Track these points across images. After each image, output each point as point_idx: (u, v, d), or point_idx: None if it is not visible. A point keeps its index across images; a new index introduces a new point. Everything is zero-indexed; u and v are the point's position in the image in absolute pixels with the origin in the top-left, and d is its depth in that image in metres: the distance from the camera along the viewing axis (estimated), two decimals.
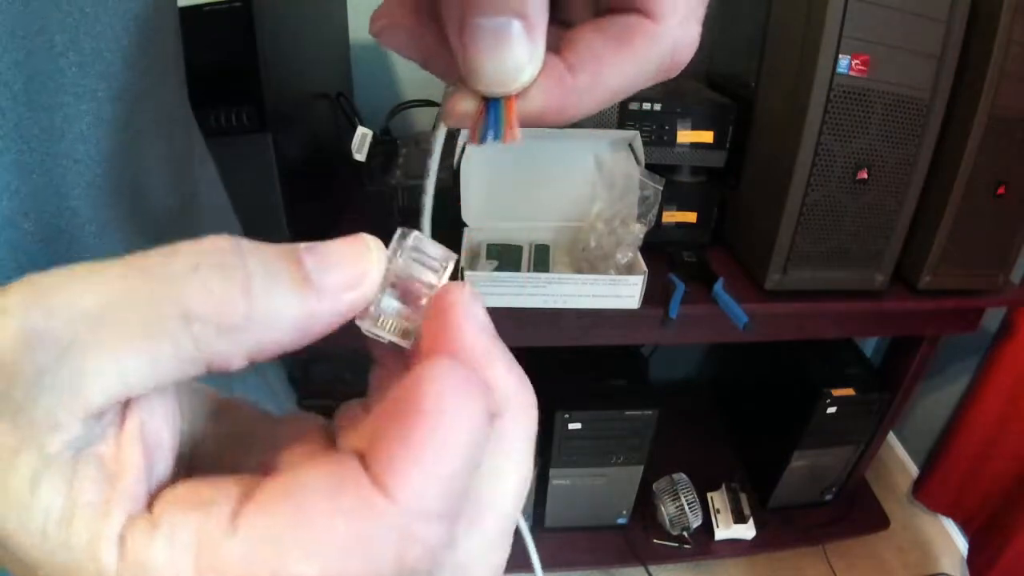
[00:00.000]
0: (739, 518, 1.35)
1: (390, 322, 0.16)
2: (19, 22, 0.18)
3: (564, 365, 1.26)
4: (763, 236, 0.93)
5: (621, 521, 1.35)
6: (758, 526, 1.35)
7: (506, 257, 0.94)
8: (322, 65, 0.99)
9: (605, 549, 1.34)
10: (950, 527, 1.44)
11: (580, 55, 0.17)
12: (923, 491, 1.48)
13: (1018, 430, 1.23)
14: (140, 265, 0.12)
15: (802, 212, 0.88)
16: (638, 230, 0.91)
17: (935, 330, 1.14)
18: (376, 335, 0.16)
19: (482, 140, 0.17)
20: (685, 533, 1.34)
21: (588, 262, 0.93)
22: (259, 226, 0.80)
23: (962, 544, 1.40)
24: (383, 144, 0.99)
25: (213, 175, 0.37)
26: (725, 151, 1.01)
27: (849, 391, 1.21)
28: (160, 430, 0.14)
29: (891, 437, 1.61)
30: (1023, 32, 0.82)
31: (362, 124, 0.95)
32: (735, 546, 1.36)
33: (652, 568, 1.33)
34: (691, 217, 1.07)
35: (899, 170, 0.87)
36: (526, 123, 0.17)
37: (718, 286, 0.94)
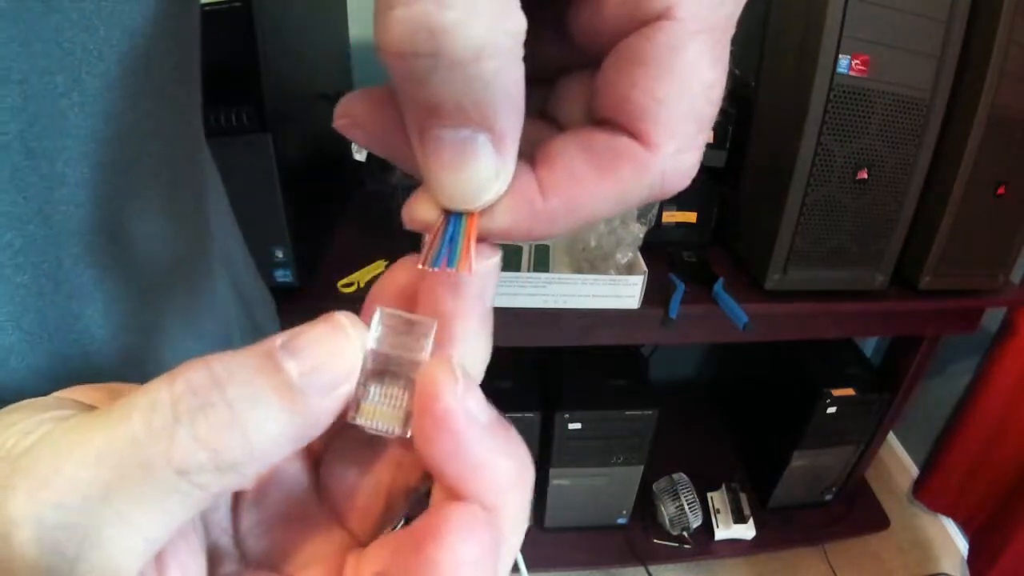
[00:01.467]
0: (739, 518, 1.35)
1: (381, 411, 0.15)
2: (16, 64, 0.17)
3: (564, 365, 1.26)
4: (763, 236, 0.93)
5: (621, 521, 1.35)
6: (758, 526, 1.35)
7: (506, 257, 0.94)
8: (322, 65, 0.99)
9: (605, 549, 1.34)
10: (950, 527, 1.44)
11: (556, 176, 0.15)
12: (923, 491, 1.48)
13: (1018, 430, 1.23)
14: (117, 435, 0.12)
15: (802, 212, 0.88)
16: (638, 230, 0.91)
17: (935, 330, 1.15)
18: (369, 428, 0.15)
19: (433, 264, 0.15)
20: (685, 533, 1.34)
21: (588, 262, 0.93)
22: (259, 226, 0.80)
23: (962, 544, 1.40)
24: None
25: (225, 208, 0.37)
26: (725, 151, 1.01)
27: (849, 391, 1.21)
28: (190, 561, 0.14)
29: (891, 437, 1.61)
30: (1023, 32, 0.82)
31: None
32: (735, 546, 1.36)
33: (652, 568, 1.33)
34: (691, 217, 1.07)
35: (899, 170, 0.87)
36: (491, 239, 0.15)
37: (718, 286, 0.94)
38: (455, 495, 0.14)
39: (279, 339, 0.13)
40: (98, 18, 0.19)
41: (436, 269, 0.15)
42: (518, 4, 0.12)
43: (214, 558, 0.16)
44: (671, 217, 1.06)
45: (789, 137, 0.85)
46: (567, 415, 1.15)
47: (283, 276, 0.83)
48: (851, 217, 0.89)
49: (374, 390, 0.15)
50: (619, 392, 1.20)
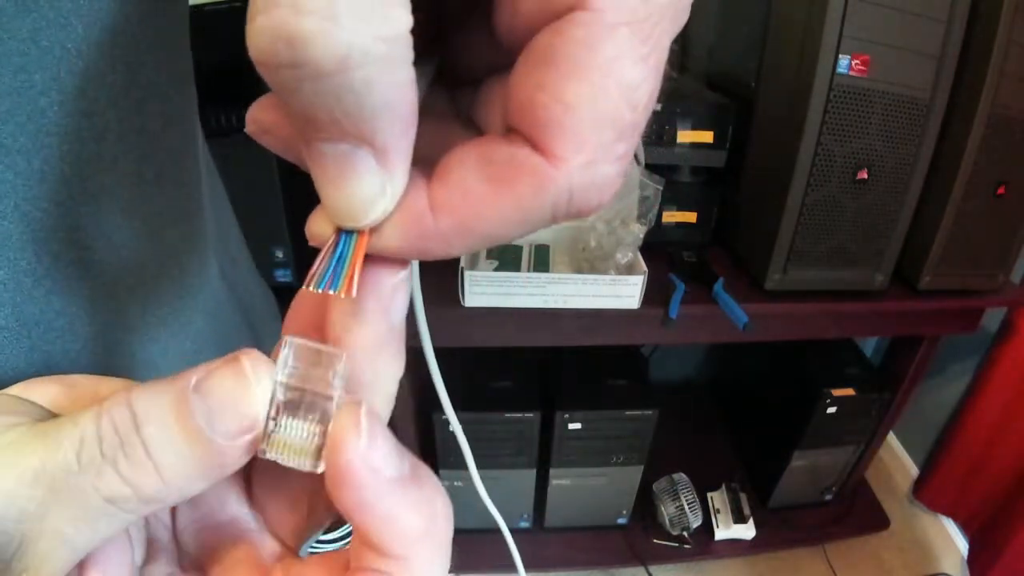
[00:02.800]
0: (739, 518, 1.35)
1: (292, 445, 0.14)
2: None
3: (564, 365, 1.26)
4: (763, 236, 0.93)
5: (621, 521, 1.35)
6: (758, 526, 1.35)
7: (506, 257, 0.95)
8: None
9: (605, 549, 1.34)
10: (950, 527, 1.44)
11: (449, 192, 0.13)
12: (923, 491, 1.48)
13: (1018, 430, 1.23)
14: (51, 460, 0.13)
15: (802, 212, 0.88)
16: (638, 230, 0.91)
17: (935, 330, 1.14)
18: (280, 462, 0.15)
19: (317, 284, 0.14)
20: (685, 533, 1.34)
21: (588, 262, 0.93)
22: (259, 226, 0.80)
23: (962, 544, 1.40)
24: None
25: (224, 206, 0.36)
26: (725, 151, 1.01)
27: (849, 391, 1.21)
28: (117, 564, 0.15)
29: (891, 437, 1.61)
30: (1023, 32, 0.82)
31: None
32: (735, 546, 1.36)
33: (652, 568, 1.33)
34: (691, 217, 1.07)
35: (899, 170, 0.87)
36: (378, 256, 0.14)
37: (718, 286, 0.94)
38: (365, 542, 0.14)
39: (194, 377, 0.14)
40: (76, 16, 0.19)
41: (320, 291, 0.14)
42: (401, 2, 0.11)
43: (152, 552, 0.17)
44: (671, 217, 1.06)
45: (789, 137, 0.85)
46: (567, 415, 1.15)
47: (283, 276, 0.83)
48: (851, 217, 0.89)
49: (286, 423, 0.14)
50: (619, 392, 1.20)
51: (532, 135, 0.13)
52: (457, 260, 0.89)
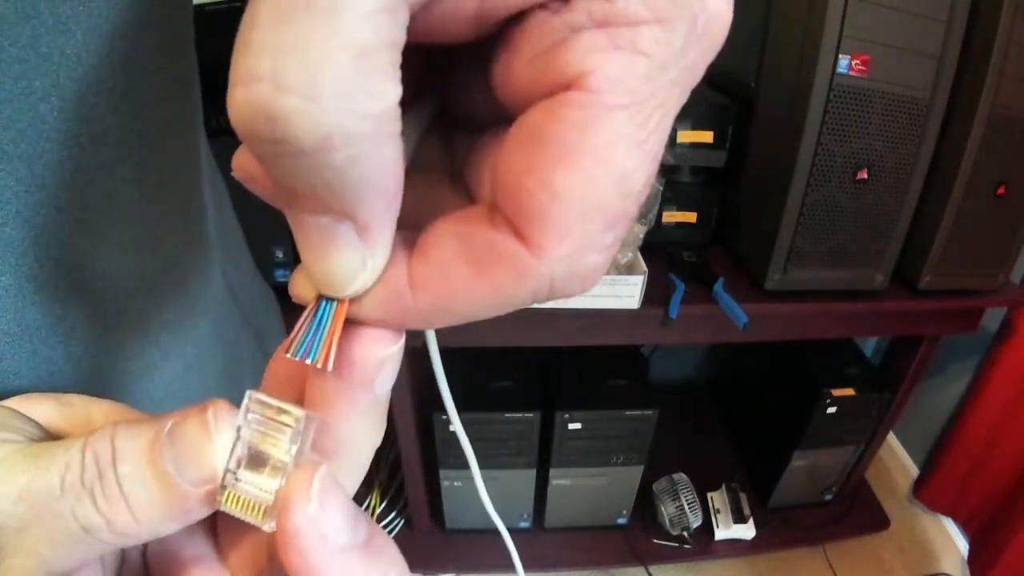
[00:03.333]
0: (739, 518, 1.35)
1: (245, 500, 0.14)
2: None
3: (564, 365, 1.26)
4: (763, 236, 0.93)
5: (621, 521, 1.35)
6: (758, 526, 1.35)
7: None
8: None
9: (605, 549, 1.34)
10: (950, 527, 1.44)
11: (428, 270, 0.13)
12: (923, 491, 1.48)
13: (1018, 430, 1.23)
14: (37, 481, 0.14)
15: (802, 212, 0.88)
16: (638, 230, 0.91)
17: (935, 330, 1.14)
18: (235, 515, 0.14)
19: (296, 352, 0.14)
20: (685, 533, 1.34)
21: None
22: (259, 226, 0.80)
23: (962, 544, 1.40)
24: None
25: (226, 208, 0.36)
26: (725, 151, 1.01)
27: (849, 391, 1.21)
28: None
29: (891, 437, 1.61)
30: (1023, 32, 0.82)
31: None
32: (735, 546, 1.36)
33: (652, 568, 1.33)
34: (691, 217, 1.07)
35: (899, 170, 0.87)
36: (360, 325, 0.14)
37: (718, 286, 0.94)
38: None
39: (170, 421, 0.14)
40: (75, 23, 0.19)
41: (298, 359, 0.14)
42: (389, 76, 0.10)
43: (123, 572, 0.17)
44: (671, 217, 1.06)
45: (789, 137, 0.85)
46: (567, 415, 1.15)
47: (283, 276, 0.83)
48: (851, 217, 0.89)
49: (244, 477, 0.14)
50: (619, 392, 1.20)
51: (515, 221, 0.12)
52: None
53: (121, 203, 0.23)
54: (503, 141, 0.13)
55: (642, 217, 0.94)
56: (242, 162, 0.14)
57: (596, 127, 0.11)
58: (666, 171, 1.00)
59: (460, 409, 0.33)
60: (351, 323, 0.14)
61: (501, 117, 0.14)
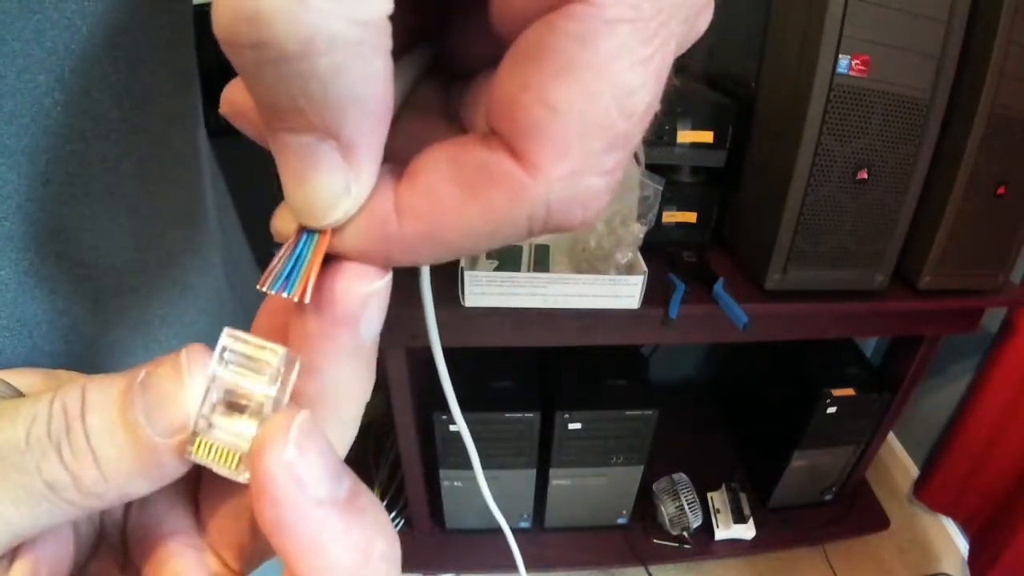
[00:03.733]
0: (739, 518, 1.35)
1: (218, 449, 0.13)
2: None
3: (564, 365, 1.26)
4: (763, 236, 0.93)
5: (621, 521, 1.35)
6: (758, 526, 1.35)
7: (506, 257, 0.95)
8: None
9: (605, 549, 1.34)
10: (950, 527, 1.44)
11: (416, 196, 0.12)
12: (923, 491, 1.48)
13: (1018, 430, 1.23)
14: (8, 433, 0.13)
15: (802, 212, 0.88)
16: (638, 230, 0.91)
17: (935, 330, 1.14)
18: (207, 466, 0.13)
19: (272, 285, 0.13)
20: (685, 533, 1.34)
21: (588, 262, 0.93)
22: (259, 226, 0.80)
23: (962, 544, 1.40)
24: None
25: (226, 204, 0.36)
26: (725, 151, 1.01)
27: (849, 391, 1.21)
28: (48, 551, 0.14)
29: (891, 437, 1.61)
30: (1023, 32, 0.82)
31: None
32: (735, 546, 1.36)
33: (652, 568, 1.33)
34: (691, 217, 1.07)
35: (899, 170, 0.87)
36: (341, 258, 0.13)
37: (718, 286, 0.94)
38: (290, 572, 0.12)
39: (143, 370, 0.13)
40: (80, 18, 0.19)
41: (273, 293, 0.13)
42: None
43: (100, 549, 0.16)
44: (671, 217, 1.06)
45: (789, 137, 0.85)
46: (567, 415, 1.15)
47: None
48: (851, 217, 0.89)
49: (219, 423, 0.13)
50: (619, 392, 1.20)
51: (511, 139, 0.11)
52: (457, 260, 0.89)
53: (123, 198, 0.23)
54: (499, 67, 0.12)
55: (642, 217, 0.94)
56: (229, 94, 0.14)
57: (597, 40, 0.11)
58: (666, 171, 1.00)
59: (460, 409, 0.33)
60: (333, 258, 0.13)
61: (497, 60, 0.13)
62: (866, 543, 1.44)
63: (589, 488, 1.27)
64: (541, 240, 0.99)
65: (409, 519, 1.35)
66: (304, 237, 0.13)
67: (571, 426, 1.16)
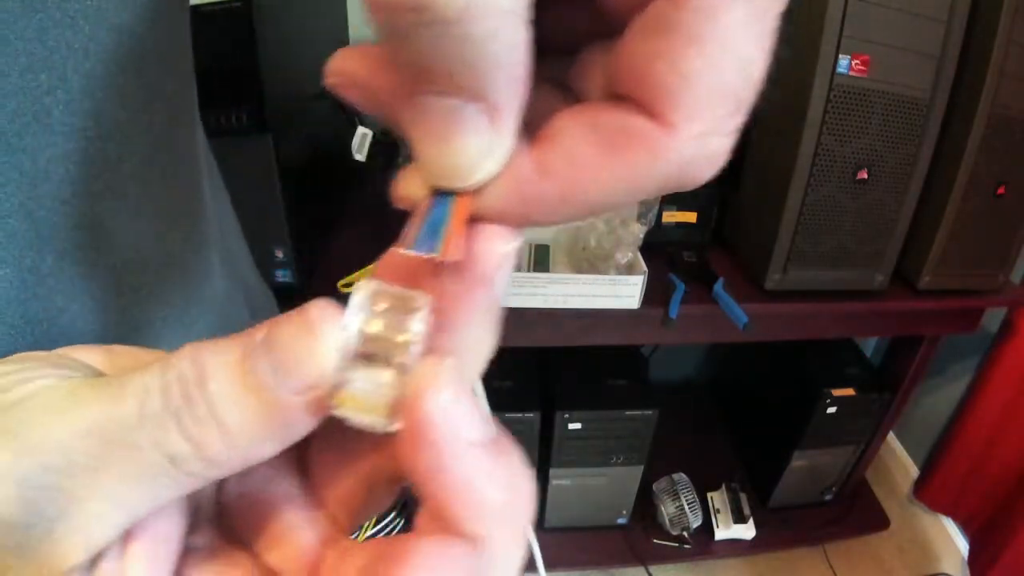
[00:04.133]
0: (739, 518, 1.35)
1: (364, 401, 0.13)
2: None
3: (564, 365, 1.26)
4: (763, 236, 0.93)
5: (621, 521, 1.35)
6: (758, 526, 1.35)
7: None
8: (322, 65, 0.99)
9: (605, 549, 1.34)
10: (950, 527, 1.44)
11: (555, 157, 0.13)
12: (923, 491, 1.48)
13: (1018, 430, 1.23)
14: (110, 412, 0.12)
15: (802, 212, 0.88)
16: (638, 230, 0.91)
17: (935, 330, 1.14)
18: (350, 419, 0.13)
19: (415, 247, 0.13)
20: (685, 533, 1.34)
21: (588, 262, 0.93)
22: (259, 226, 0.80)
23: (962, 544, 1.40)
24: (383, 144, 0.99)
25: (225, 203, 0.36)
26: None
27: (849, 391, 1.21)
28: (163, 528, 0.14)
29: (891, 437, 1.61)
30: (1023, 32, 0.82)
31: (362, 124, 0.95)
32: (735, 546, 1.36)
33: (652, 568, 1.33)
34: (691, 217, 1.07)
35: (899, 170, 0.87)
36: (479, 220, 0.14)
37: (718, 286, 0.94)
38: (436, 516, 0.13)
39: (260, 332, 0.13)
40: (83, 17, 0.19)
41: (416, 254, 0.13)
42: None
43: (195, 521, 0.16)
44: (671, 217, 1.06)
45: (789, 137, 0.85)
46: (567, 415, 1.15)
47: (283, 276, 0.83)
48: (851, 217, 0.89)
49: (358, 375, 0.13)
50: (619, 392, 1.20)
51: (648, 103, 0.12)
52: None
53: (125, 198, 0.23)
54: (625, 38, 0.13)
55: (642, 217, 0.94)
56: (342, 64, 0.14)
57: (721, 14, 0.11)
58: None
59: None
60: (468, 219, 0.13)
61: (597, 36, 0.14)
62: (866, 543, 1.44)
63: (589, 488, 1.27)
64: (541, 240, 0.99)
65: (409, 518, 1.35)
66: (439, 200, 0.13)
67: (571, 426, 1.16)
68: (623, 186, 0.13)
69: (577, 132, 0.13)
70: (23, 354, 0.15)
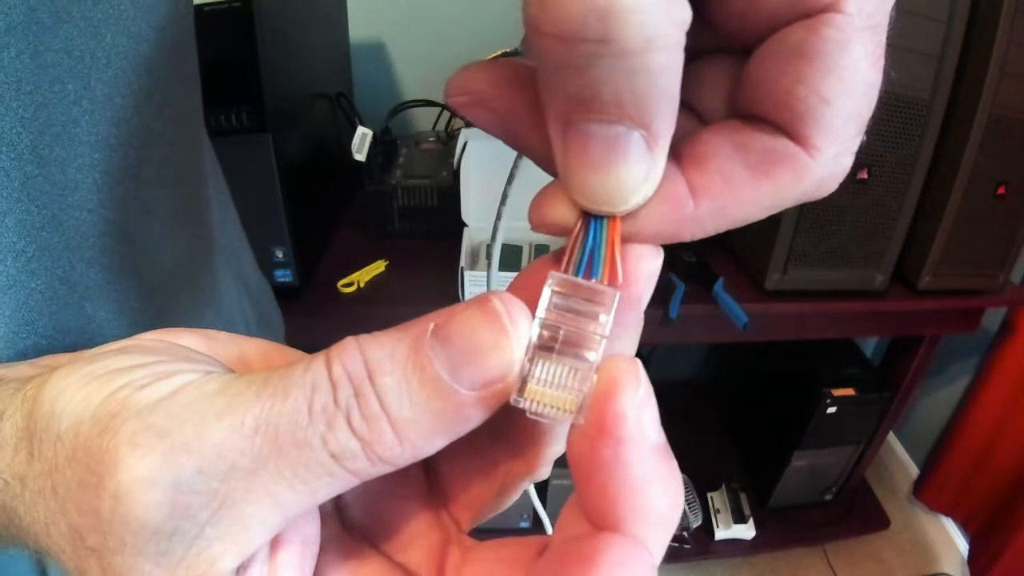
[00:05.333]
0: (739, 518, 1.35)
1: (548, 393, 0.13)
2: (27, 76, 0.17)
3: None
4: (763, 236, 0.93)
5: None
6: (758, 526, 1.35)
7: (506, 257, 0.95)
8: (322, 65, 0.99)
9: None
10: (950, 527, 1.44)
11: (710, 178, 0.13)
12: (923, 491, 1.48)
13: (1018, 430, 1.23)
14: (276, 409, 0.12)
15: (802, 212, 0.88)
16: None
17: (935, 330, 1.14)
18: (530, 412, 0.13)
19: (576, 271, 0.13)
20: (685, 533, 1.34)
21: None
22: (259, 226, 0.80)
23: (962, 544, 1.40)
24: (383, 144, 0.99)
25: (227, 204, 0.37)
26: None
27: (849, 391, 1.21)
28: (308, 532, 0.14)
29: (891, 437, 1.61)
30: (1023, 32, 0.82)
31: (362, 124, 0.95)
32: (735, 546, 1.36)
33: None
34: None
35: (899, 170, 0.87)
36: (630, 242, 0.14)
37: (718, 286, 0.94)
38: (594, 517, 0.13)
39: (431, 322, 0.13)
40: (105, 26, 0.19)
41: (579, 279, 0.13)
42: None
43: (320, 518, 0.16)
44: None
45: None
46: None
47: (283, 276, 0.83)
48: (851, 217, 0.89)
49: (540, 368, 0.13)
50: None
51: (791, 126, 0.13)
52: (457, 261, 0.89)
53: (145, 203, 0.23)
54: (759, 62, 0.13)
55: None
56: (469, 84, 0.14)
57: (852, 44, 0.12)
58: None
59: None
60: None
61: (705, 51, 0.15)
62: (866, 543, 1.44)
63: None
64: (541, 240, 0.99)
65: None
66: (593, 225, 0.14)
67: None
68: (768, 202, 0.14)
69: (727, 154, 0.13)
70: (136, 339, 0.15)
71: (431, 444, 0.13)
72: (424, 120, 1.22)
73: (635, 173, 0.13)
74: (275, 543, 0.13)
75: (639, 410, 0.12)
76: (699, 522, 1.33)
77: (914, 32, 0.80)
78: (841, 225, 0.89)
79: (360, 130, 0.93)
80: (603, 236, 0.13)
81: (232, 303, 0.33)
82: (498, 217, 0.53)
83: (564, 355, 0.13)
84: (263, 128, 0.72)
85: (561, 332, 0.13)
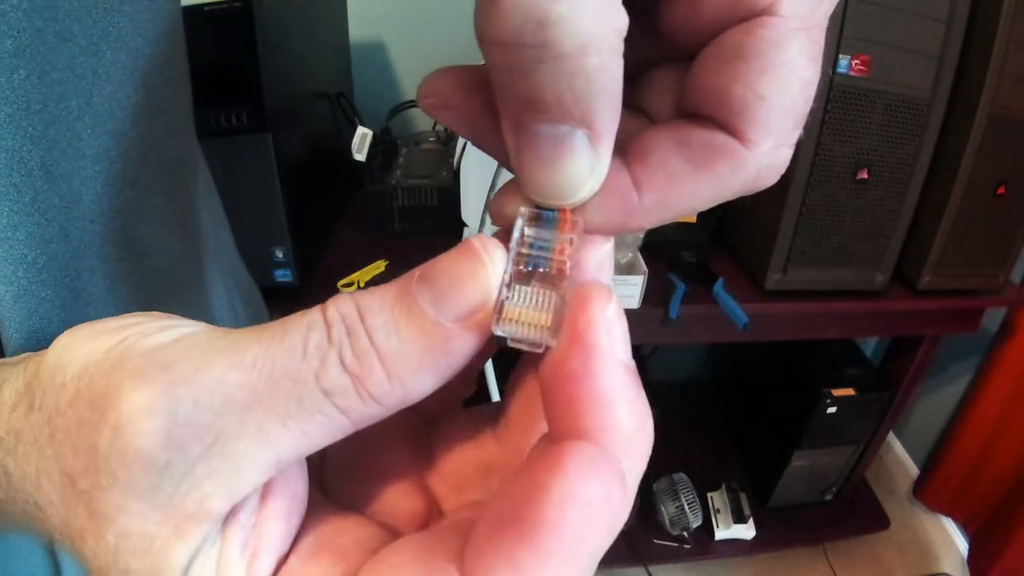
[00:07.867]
0: (739, 518, 1.35)
1: (526, 314, 0.14)
2: (36, 95, 0.18)
3: None
4: (763, 236, 0.93)
5: None
6: (758, 526, 1.35)
7: None
8: (322, 65, 0.99)
9: None
10: (950, 527, 1.44)
11: (652, 172, 0.14)
12: (923, 491, 1.48)
13: (1018, 430, 1.23)
14: (274, 347, 0.13)
15: (802, 212, 0.88)
16: (638, 230, 0.91)
17: (935, 330, 1.14)
18: (511, 338, 0.14)
19: (530, 265, 0.14)
20: (685, 533, 1.34)
21: None
22: (259, 226, 0.80)
23: (962, 544, 1.40)
24: (383, 144, 0.99)
25: (216, 204, 0.37)
26: None
27: (849, 391, 1.21)
28: (297, 487, 0.15)
29: (891, 437, 1.61)
30: (1023, 32, 0.82)
31: (362, 124, 0.95)
32: (735, 546, 1.36)
33: (652, 568, 1.33)
34: (691, 217, 1.07)
35: (899, 170, 0.87)
36: (588, 231, 0.15)
37: (718, 286, 0.94)
38: (560, 434, 0.13)
39: (417, 271, 0.14)
40: (105, 43, 0.20)
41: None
42: (620, 1, 0.12)
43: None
44: None
45: None
46: None
47: (283, 276, 0.83)
48: (851, 217, 0.89)
49: (518, 294, 0.14)
50: None
51: (728, 122, 0.14)
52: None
53: (139, 210, 0.24)
54: (700, 64, 0.14)
55: None
56: (436, 87, 0.15)
57: (787, 44, 0.13)
58: None
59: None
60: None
61: (654, 61, 0.16)
62: (866, 543, 1.44)
63: None
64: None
65: None
66: (544, 216, 0.15)
67: None
68: (708, 193, 0.15)
69: (669, 149, 0.14)
70: (142, 313, 0.15)
71: (420, 382, 0.13)
72: (424, 120, 1.22)
73: (581, 169, 0.13)
74: (265, 494, 0.14)
75: (610, 323, 0.13)
76: (699, 522, 1.33)
77: (914, 32, 0.80)
78: (841, 225, 0.90)
79: (360, 130, 0.93)
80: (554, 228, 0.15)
81: (223, 302, 0.34)
82: None
83: (539, 283, 0.14)
84: (263, 128, 0.72)
85: (533, 261, 0.14)
